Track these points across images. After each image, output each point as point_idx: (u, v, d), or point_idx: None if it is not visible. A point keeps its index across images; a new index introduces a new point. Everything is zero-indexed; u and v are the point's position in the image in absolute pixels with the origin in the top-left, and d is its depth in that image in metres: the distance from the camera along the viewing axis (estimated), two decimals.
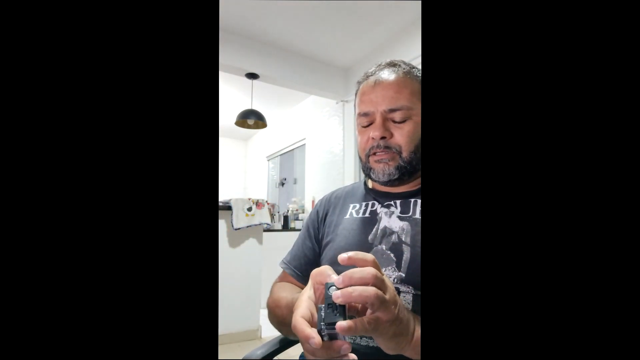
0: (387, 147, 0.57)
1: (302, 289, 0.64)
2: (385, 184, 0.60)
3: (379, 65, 0.62)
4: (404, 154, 0.57)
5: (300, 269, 0.65)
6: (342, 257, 0.35)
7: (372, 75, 0.61)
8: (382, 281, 0.34)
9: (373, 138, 0.57)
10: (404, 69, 0.59)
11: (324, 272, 0.37)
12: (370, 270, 0.33)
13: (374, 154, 0.58)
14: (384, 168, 0.58)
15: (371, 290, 0.32)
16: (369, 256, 0.35)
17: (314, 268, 0.39)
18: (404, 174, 0.58)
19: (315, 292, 0.38)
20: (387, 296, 0.33)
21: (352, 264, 0.35)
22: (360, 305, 0.36)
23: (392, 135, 0.57)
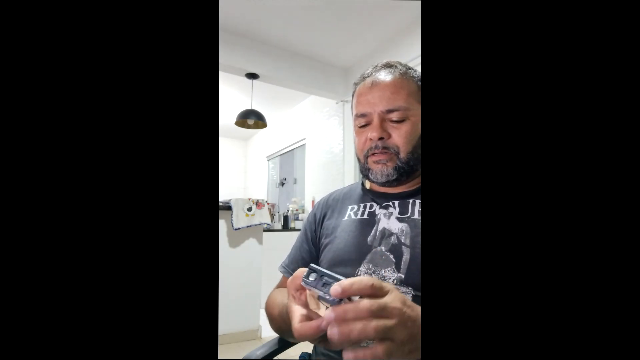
0: (385, 148, 0.57)
1: None
2: (384, 184, 0.60)
3: (375, 66, 0.62)
4: (402, 155, 0.57)
5: None
6: (336, 291, 0.31)
7: (368, 76, 0.61)
8: (384, 308, 0.31)
9: (371, 139, 0.58)
10: (400, 70, 0.60)
11: (297, 276, 0.36)
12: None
13: (372, 154, 0.59)
14: (382, 169, 0.58)
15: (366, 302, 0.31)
16: (366, 281, 0.32)
17: None
18: (402, 174, 0.58)
19: (295, 300, 0.37)
20: (391, 322, 0.31)
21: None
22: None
23: (389, 135, 0.57)
